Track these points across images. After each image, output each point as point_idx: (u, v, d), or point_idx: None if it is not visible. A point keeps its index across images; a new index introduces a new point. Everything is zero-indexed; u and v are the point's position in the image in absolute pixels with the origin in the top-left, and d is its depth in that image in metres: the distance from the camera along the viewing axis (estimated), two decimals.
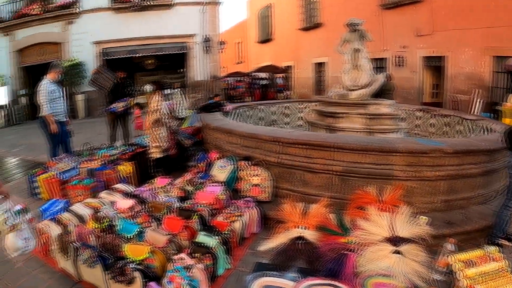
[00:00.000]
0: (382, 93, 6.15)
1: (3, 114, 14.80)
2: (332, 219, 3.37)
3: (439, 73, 10.94)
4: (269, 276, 2.76)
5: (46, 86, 5.39)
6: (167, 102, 5.14)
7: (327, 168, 3.56)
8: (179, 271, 2.45)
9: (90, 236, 3.03)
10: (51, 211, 4.03)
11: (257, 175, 3.81)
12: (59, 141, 5.66)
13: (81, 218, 3.46)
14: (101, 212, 3.42)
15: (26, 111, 16.70)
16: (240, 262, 3.03)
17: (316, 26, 17.08)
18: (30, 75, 17.07)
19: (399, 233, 2.91)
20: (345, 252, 2.88)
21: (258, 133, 3.99)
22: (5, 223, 2.13)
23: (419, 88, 11.70)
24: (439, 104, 10.49)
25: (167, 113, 4.96)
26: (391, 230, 2.94)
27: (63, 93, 5.82)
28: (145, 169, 5.20)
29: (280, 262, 2.97)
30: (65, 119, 5.74)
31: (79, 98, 15.18)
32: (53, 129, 5.36)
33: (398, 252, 2.77)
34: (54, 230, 3.13)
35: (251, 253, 3.17)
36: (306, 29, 18.09)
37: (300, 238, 3.20)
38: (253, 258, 3.10)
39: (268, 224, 3.56)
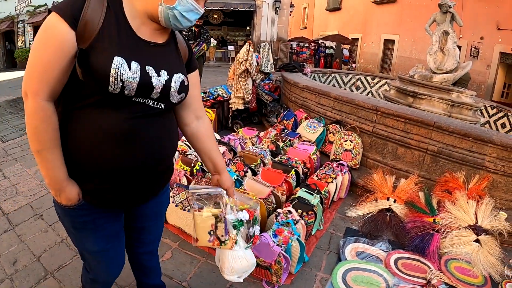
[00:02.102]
0: (458, 82, 5.90)
1: None
2: (421, 197, 3.30)
3: None
4: (361, 243, 2.75)
5: None
6: (255, 54, 5.06)
7: (422, 146, 3.42)
8: (289, 224, 2.35)
9: (181, 177, 2.91)
10: None
11: (350, 140, 3.71)
12: None
13: None
14: (191, 155, 3.38)
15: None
16: (330, 224, 2.99)
17: (390, 0, 16.22)
18: None
19: (480, 223, 2.85)
20: (431, 232, 2.84)
21: (357, 99, 3.86)
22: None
23: (491, 84, 10.93)
24: (509, 105, 9.82)
25: (255, 65, 4.88)
26: (475, 219, 2.89)
27: None
28: (222, 119, 5.22)
29: (368, 231, 2.93)
30: None
31: None
32: None
33: (477, 241, 2.71)
34: None
35: (339, 217, 3.13)
36: (378, 2, 17.18)
37: (388, 210, 3.15)
38: (342, 222, 3.05)
39: (354, 191, 3.51)
